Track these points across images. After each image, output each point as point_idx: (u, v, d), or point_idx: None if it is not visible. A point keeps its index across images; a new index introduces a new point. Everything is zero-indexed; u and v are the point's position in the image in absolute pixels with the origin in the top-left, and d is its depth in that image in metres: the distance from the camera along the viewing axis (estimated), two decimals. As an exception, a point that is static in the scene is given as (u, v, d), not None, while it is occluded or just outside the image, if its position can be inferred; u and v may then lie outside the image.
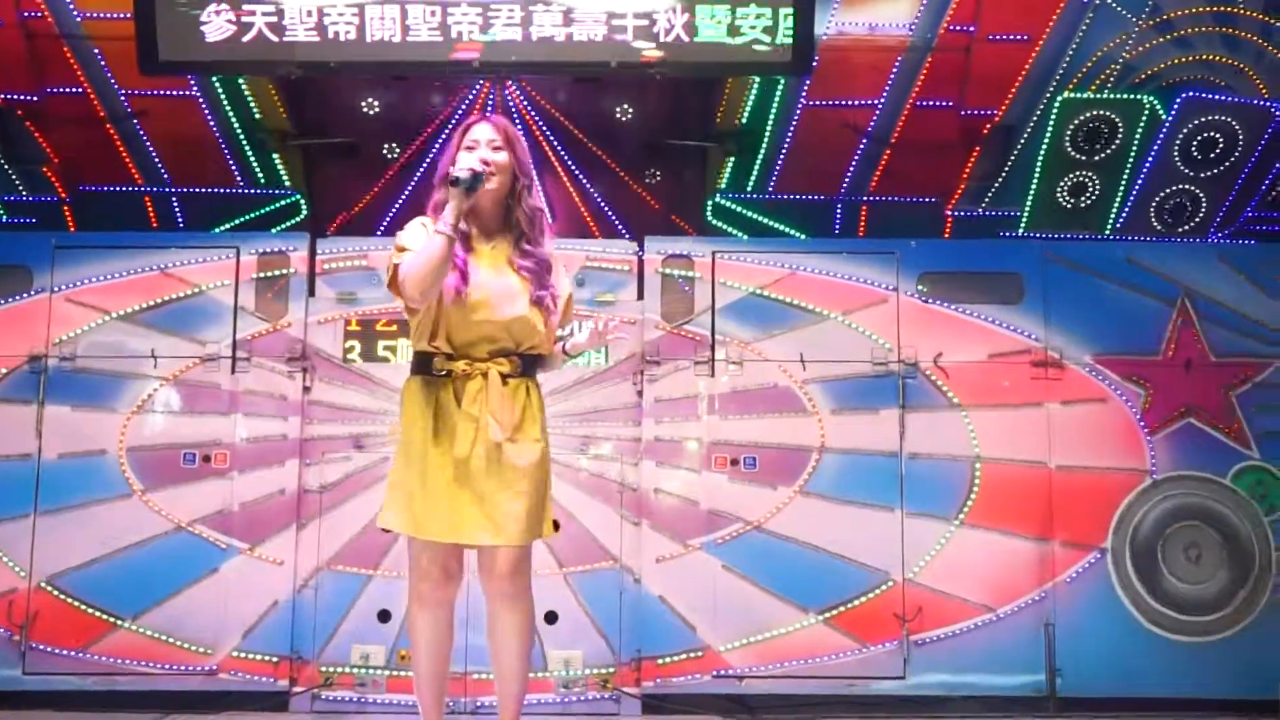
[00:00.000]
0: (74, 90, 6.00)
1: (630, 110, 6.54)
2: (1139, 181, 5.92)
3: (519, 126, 6.24)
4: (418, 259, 3.19)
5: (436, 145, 6.01)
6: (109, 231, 5.64)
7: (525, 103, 6.35)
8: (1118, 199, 5.94)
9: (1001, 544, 5.26)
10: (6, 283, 5.34)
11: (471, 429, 3.23)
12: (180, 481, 5.24)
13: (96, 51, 5.89)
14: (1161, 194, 5.96)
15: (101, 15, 5.79)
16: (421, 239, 3.28)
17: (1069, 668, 5.17)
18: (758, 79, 6.06)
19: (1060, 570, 5.25)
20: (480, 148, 3.34)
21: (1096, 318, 5.42)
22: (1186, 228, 6.00)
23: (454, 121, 6.05)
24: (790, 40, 5.50)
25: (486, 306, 3.28)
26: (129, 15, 5.45)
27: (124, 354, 5.32)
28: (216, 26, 5.42)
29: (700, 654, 5.19)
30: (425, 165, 6.10)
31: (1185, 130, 5.84)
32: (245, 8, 5.42)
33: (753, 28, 5.50)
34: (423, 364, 3.35)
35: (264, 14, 5.42)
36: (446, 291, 3.25)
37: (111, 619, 5.14)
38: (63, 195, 6.16)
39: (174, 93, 6.00)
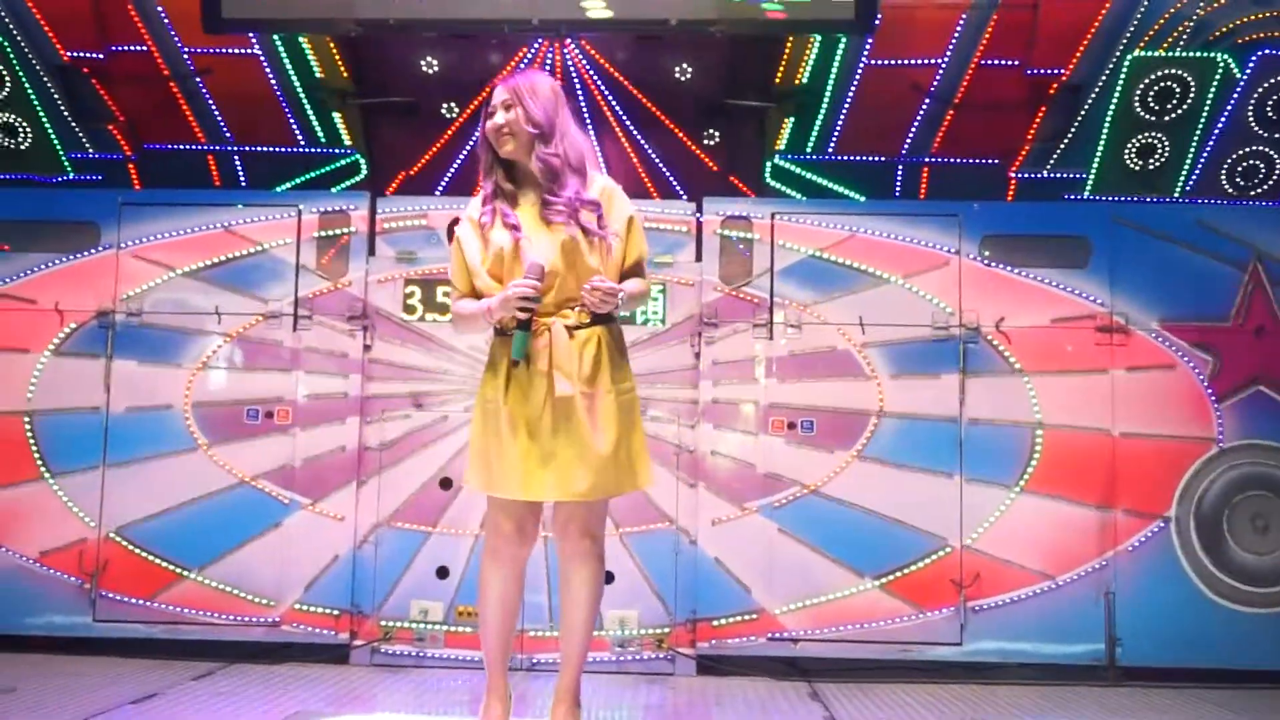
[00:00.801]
0: (138, 48, 6.06)
1: (689, 69, 6.48)
2: (1210, 142, 5.76)
3: (576, 84, 6.23)
4: (467, 311, 3.37)
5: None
6: (173, 189, 5.71)
7: (584, 61, 6.31)
8: (1188, 160, 5.79)
9: (1062, 511, 5.21)
10: (75, 239, 5.45)
11: (542, 385, 3.24)
12: (243, 437, 5.33)
13: (160, 9, 5.94)
14: (1234, 155, 5.79)
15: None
16: (474, 244, 3.37)
17: (1129, 637, 5.12)
18: (818, 38, 5.97)
19: (1122, 539, 5.18)
20: (497, 113, 3.39)
21: (1164, 282, 5.32)
22: (1260, 190, 5.83)
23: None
24: (853, -2, 5.40)
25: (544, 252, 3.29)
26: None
27: (189, 310, 5.40)
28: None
29: (755, 616, 5.20)
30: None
31: (1260, 89, 5.67)
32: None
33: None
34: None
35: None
36: (506, 253, 3.28)
37: (178, 570, 5.26)
38: (128, 153, 6.23)
39: (237, 51, 6.04)
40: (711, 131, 6.55)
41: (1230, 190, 5.84)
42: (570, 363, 3.25)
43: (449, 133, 6.38)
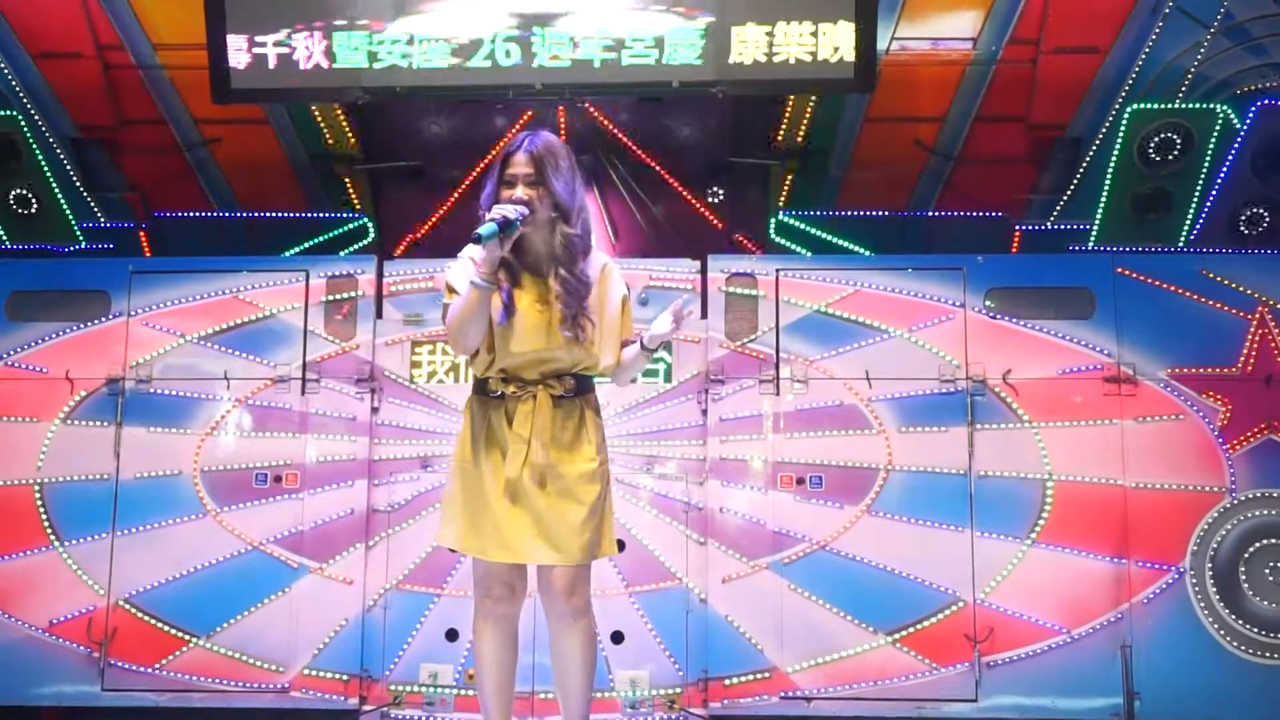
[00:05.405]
0: (150, 119, 6.16)
1: (692, 129, 6.55)
2: (1213, 192, 5.79)
3: (580, 146, 6.30)
4: (454, 314, 3.22)
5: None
6: (183, 256, 5.77)
7: (588, 123, 6.39)
8: (1191, 210, 5.81)
9: (1075, 564, 5.15)
10: (86, 307, 5.49)
11: (522, 450, 3.24)
12: (252, 502, 5.33)
13: (170, 81, 6.04)
14: (1237, 204, 5.82)
15: (175, 45, 5.94)
16: (465, 279, 3.24)
17: (1148, 690, 5.04)
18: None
19: (1137, 590, 5.13)
20: (517, 185, 3.24)
21: (1171, 332, 5.31)
22: (1263, 239, 5.85)
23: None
24: (853, 57, 5.46)
25: (533, 332, 3.26)
26: (202, 44, 5.57)
27: (198, 376, 5.42)
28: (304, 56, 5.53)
29: (768, 675, 5.15)
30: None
31: (1260, 139, 5.70)
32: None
33: (811, 44, 5.48)
34: (480, 386, 3.38)
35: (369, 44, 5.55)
36: (495, 320, 3.26)
37: (187, 637, 5.23)
38: (139, 221, 6.31)
39: (245, 120, 6.13)
40: (715, 189, 6.61)
41: (1233, 239, 5.85)
42: (547, 431, 3.25)
43: (455, 196, 6.45)
